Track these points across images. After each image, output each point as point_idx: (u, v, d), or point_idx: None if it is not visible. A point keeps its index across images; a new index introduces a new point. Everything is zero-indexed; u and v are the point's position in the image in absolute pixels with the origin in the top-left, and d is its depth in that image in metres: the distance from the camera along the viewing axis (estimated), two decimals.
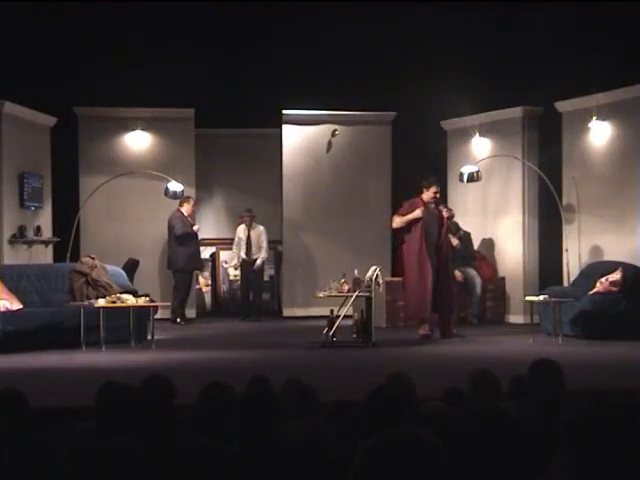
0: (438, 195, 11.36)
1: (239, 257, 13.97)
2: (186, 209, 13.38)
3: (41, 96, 12.93)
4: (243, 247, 13.92)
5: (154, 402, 4.21)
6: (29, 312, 10.54)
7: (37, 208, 13.23)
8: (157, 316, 11.62)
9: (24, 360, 9.41)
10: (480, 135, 13.92)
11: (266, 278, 14.71)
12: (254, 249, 13.93)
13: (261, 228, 14.00)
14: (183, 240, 13.25)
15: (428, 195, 11.32)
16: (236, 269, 14.37)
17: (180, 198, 13.30)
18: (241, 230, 14.01)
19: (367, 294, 10.56)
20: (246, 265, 13.94)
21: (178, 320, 13.27)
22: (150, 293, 11.69)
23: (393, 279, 12.82)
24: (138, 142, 14.22)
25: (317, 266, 13.76)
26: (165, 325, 12.55)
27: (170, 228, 13.33)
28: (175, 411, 4.38)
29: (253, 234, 13.95)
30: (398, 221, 11.42)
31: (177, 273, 13.35)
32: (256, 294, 14.17)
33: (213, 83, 13.83)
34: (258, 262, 13.94)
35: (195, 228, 13.41)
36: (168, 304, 12.50)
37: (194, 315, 14.03)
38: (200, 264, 14.05)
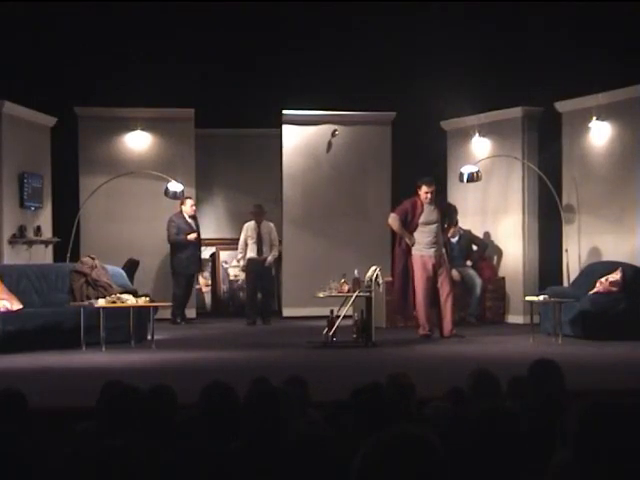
0: (429, 195, 11.31)
1: (245, 257, 13.42)
2: (185, 210, 13.36)
3: (41, 96, 12.93)
4: (253, 246, 13.36)
5: (155, 414, 4.21)
6: (29, 312, 10.54)
7: (37, 208, 13.23)
8: (157, 316, 11.62)
9: (24, 360, 9.40)
10: (480, 135, 13.92)
11: None
12: (265, 247, 13.38)
13: (271, 225, 13.59)
14: (176, 246, 13.23)
15: (421, 194, 11.34)
16: (243, 270, 13.74)
17: (180, 198, 13.30)
18: (250, 228, 13.43)
19: (367, 294, 10.56)
20: (254, 264, 13.37)
21: (178, 320, 13.27)
22: (150, 293, 11.68)
23: (392, 277, 12.82)
24: (138, 142, 14.22)
25: (317, 266, 13.74)
26: (165, 325, 12.55)
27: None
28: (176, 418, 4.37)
29: (264, 231, 13.46)
30: (395, 226, 11.43)
31: (175, 275, 13.33)
32: (267, 295, 13.72)
33: (213, 83, 13.83)
34: (269, 259, 13.40)
35: (190, 237, 13.18)
36: (168, 304, 12.51)
37: (194, 315, 14.02)
38: (198, 267, 13.81)
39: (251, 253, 13.41)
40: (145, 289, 12.34)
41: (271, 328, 12.99)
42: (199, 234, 13.48)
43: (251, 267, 13.43)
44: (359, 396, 3.98)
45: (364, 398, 3.92)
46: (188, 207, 13.38)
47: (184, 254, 13.23)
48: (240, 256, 13.61)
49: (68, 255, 12.64)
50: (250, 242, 13.42)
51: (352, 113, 14.46)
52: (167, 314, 13.14)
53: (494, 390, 4.80)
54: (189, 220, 13.40)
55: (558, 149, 13.07)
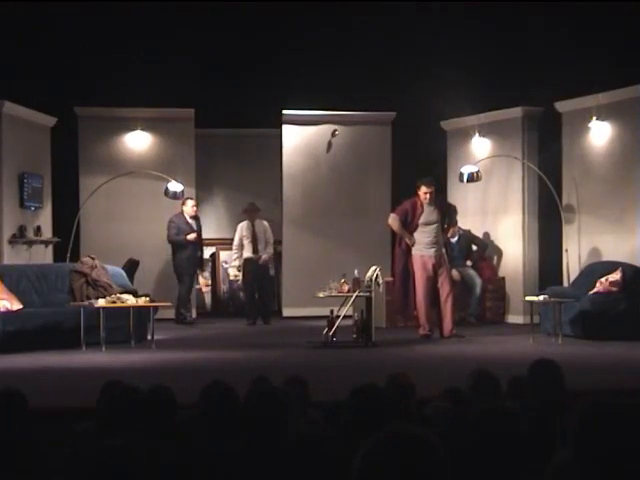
0: (428, 195, 11.30)
1: (241, 258, 13.35)
2: (186, 210, 13.33)
3: (41, 96, 12.93)
4: (248, 246, 13.30)
5: (155, 414, 4.21)
6: (29, 312, 10.54)
7: (37, 208, 13.23)
8: (157, 316, 11.61)
9: (24, 360, 9.41)
10: (480, 135, 13.92)
11: None
12: (260, 246, 13.30)
13: (265, 223, 13.52)
14: (176, 246, 13.19)
15: (420, 195, 11.34)
16: (239, 270, 13.59)
17: (180, 198, 13.29)
18: (244, 228, 13.39)
19: (367, 294, 10.56)
20: (251, 264, 13.31)
21: (187, 318, 13.21)
22: (150, 293, 11.68)
23: (393, 278, 12.82)
24: (138, 142, 14.22)
25: (317, 266, 13.73)
26: (166, 325, 12.49)
27: None
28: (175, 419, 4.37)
29: (258, 229, 13.38)
30: (396, 226, 11.44)
31: (178, 276, 13.28)
32: (265, 294, 13.62)
33: (213, 83, 13.83)
34: (264, 257, 13.32)
35: (190, 237, 13.10)
36: (168, 304, 12.48)
37: (194, 315, 14.00)
38: (196, 267, 13.62)
39: (247, 253, 13.34)
40: (145, 289, 12.33)
41: (271, 328, 12.98)
42: (200, 234, 13.44)
43: (248, 267, 13.39)
44: (356, 396, 3.98)
45: (361, 399, 3.91)
46: (189, 207, 13.34)
47: (184, 254, 13.19)
48: (235, 256, 13.51)
49: (68, 255, 12.63)
50: (246, 242, 13.36)
51: (352, 113, 14.46)
52: (167, 314, 13.10)
53: (494, 390, 4.80)
54: (190, 220, 13.37)
55: (558, 149, 13.07)
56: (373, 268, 10.71)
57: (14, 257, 12.49)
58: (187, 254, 13.20)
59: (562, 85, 12.35)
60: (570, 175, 12.92)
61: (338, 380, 7.46)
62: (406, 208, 11.38)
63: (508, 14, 12.98)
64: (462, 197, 13.87)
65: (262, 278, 13.57)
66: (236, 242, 13.48)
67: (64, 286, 11.25)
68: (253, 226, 13.42)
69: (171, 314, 13.24)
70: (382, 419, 3.69)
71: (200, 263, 13.91)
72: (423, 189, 11.29)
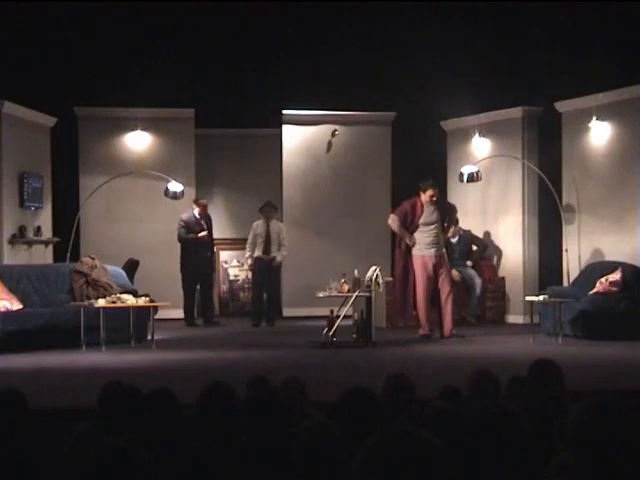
0: (434, 198, 11.33)
1: (252, 256, 13.16)
2: (197, 211, 13.27)
3: (41, 96, 12.93)
4: (260, 245, 13.15)
5: (155, 414, 4.20)
6: (29, 312, 10.55)
7: (37, 208, 13.23)
8: (160, 316, 11.60)
9: (24, 360, 9.41)
10: (480, 135, 13.91)
11: None
12: (273, 247, 13.15)
13: (281, 224, 13.42)
14: (185, 246, 13.16)
15: (425, 198, 11.33)
16: (251, 269, 13.44)
17: (180, 198, 13.25)
18: (259, 225, 13.19)
19: (367, 294, 10.56)
20: (261, 264, 13.16)
21: (194, 322, 13.16)
22: (150, 293, 11.66)
23: (393, 279, 12.82)
24: (138, 142, 14.22)
25: (317, 266, 13.73)
26: (166, 325, 12.44)
27: None
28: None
29: (273, 229, 13.21)
30: (395, 227, 11.46)
31: (182, 275, 13.25)
32: (272, 296, 13.44)
33: (213, 83, 13.83)
34: (278, 258, 13.14)
35: (201, 234, 13.01)
36: (167, 304, 12.44)
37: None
38: (205, 268, 13.34)
39: (258, 252, 13.16)
40: (145, 289, 12.31)
41: (271, 328, 12.97)
42: (211, 234, 13.36)
43: (257, 266, 13.24)
44: (345, 399, 3.96)
45: (350, 401, 3.90)
46: (200, 208, 13.22)
47: (191, 255, 13.06)
48: (248, 254, 13.29)
49: (68, 255, 12.63)
50: (259, 240, 13.15)
51: (352, 113, 14.46)
52: (168, 314, 13.07)
53: (494, 390, 4.80)
54: (200, 220, 13.26)
55: (558, 149, 13.07)
56: (373, 268, 10.72)
57: (14, 257, 12.49)
58: (194, 254, 13.00)
59: (562, 85, 12.35)
60: (570, 175, 12.92)
61: (338, 380, 7.47)
62: (405, 209, 11.39)
63: (508, 14, 12.97)
64: (462, 197, 13.86)
65: (272, 279, 13.36)
66: (250, 240, 13.25)
67: (64, 286, 11.25)
68: (268, 225, 13.23)
69: (171, 314, 13.21)
70: (374, 421, 3.68)
71: (211, 263, 13.78)
72: (429, 192, 11.28)
